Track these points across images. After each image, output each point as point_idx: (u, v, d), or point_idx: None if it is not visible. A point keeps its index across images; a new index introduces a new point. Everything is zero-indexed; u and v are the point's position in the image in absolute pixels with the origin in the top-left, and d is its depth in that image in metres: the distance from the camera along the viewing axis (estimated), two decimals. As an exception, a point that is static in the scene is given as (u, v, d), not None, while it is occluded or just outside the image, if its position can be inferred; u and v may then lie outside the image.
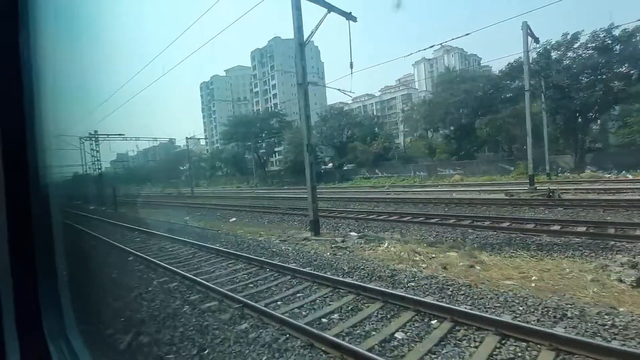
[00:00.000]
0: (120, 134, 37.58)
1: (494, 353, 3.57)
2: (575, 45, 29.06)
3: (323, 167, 52.63)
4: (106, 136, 34.60)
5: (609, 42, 27.13)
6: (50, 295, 1.37)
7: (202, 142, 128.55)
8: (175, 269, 7.68)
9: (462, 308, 4.51)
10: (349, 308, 5.02)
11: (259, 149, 63.35)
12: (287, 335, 4.30)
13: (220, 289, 6.00)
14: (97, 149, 31.97)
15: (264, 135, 62.62)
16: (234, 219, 17.42)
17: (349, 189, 34.08)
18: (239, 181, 70.47)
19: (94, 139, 32.17)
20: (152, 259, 8.96)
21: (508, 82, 35.09)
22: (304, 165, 11.36)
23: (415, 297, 4.92)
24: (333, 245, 9.27)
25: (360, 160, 45.91)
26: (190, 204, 30.12)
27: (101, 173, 32.58)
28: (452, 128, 38.58)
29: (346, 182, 43.40)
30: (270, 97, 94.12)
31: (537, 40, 22.68)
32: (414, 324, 4.38)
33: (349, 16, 12.14)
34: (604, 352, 3.27)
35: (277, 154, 69.21)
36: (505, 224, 10.49)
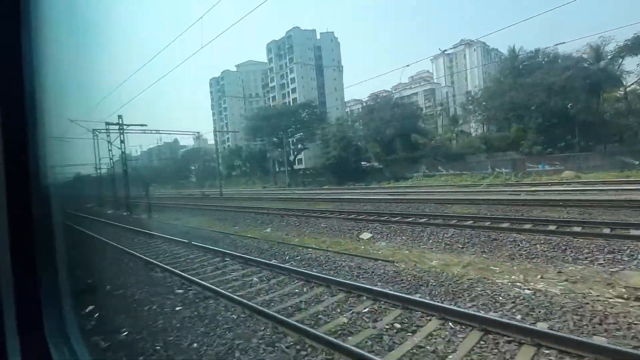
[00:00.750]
0: (142, 125, 31.30)
1: None
2: None
3: (365, 164, 46.30)
4: (126, 126, 28.05)
5: None
6: (51, 296, 1.37)
7: (210, 141, 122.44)
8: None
9: None
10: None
11: (287, 145, 56.86)
12: None
13: None
14: (122, 138, 25.51)
15: (293, 129, 56.17)
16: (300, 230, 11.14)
17: (428, 188, 27.65)
18: (262, 181, 63.99)
19: (117, 128, 25.66)
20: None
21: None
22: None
23: None
24: None
25: (415, 156, 39.67)
26: (224, 207, 23.95)
27: (126, 170, 26.08)
28: (538, 117, 32.24)
29: (403, 181, 37.11)
30: (289, 92, 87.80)
31: None
32: None
33: None
34: None
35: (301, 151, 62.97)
36: None
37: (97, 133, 31.59)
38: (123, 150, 25.18)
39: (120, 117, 24.98)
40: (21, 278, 1.15)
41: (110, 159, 28.44)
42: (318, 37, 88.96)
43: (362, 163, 45.93)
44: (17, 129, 1.15)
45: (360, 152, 43.21)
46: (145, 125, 32.05)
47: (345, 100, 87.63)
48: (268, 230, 13.39)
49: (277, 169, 63.54)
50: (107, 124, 24.81)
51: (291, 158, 58.65)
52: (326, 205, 19.20)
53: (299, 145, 59.78)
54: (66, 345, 1.44)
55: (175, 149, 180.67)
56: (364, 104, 46.04)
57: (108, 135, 26.16)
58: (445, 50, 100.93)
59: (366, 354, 3.56)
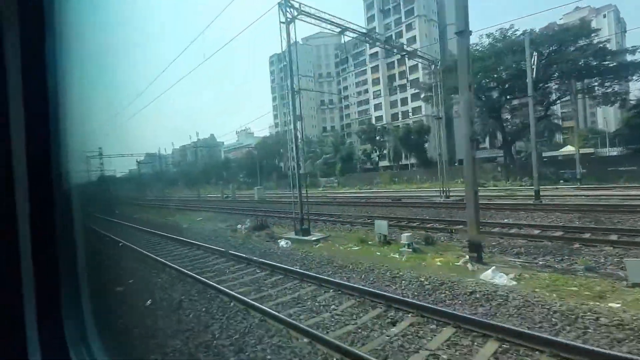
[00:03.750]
0: None
1: None
2: None
3: None
4: None
5: None
6: (73, 303, 1.39)
7: (257, 133, 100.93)
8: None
9: None
10: None
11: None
12: None
13: None
14: None
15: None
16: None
17: None
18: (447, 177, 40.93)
19: None
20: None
21: None
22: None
23: None
24: None
25: None
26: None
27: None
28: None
29: None
30: (395, 62, 64.62)
31: None
32: None
33: None
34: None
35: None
36: None
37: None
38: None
39: None
40: (43, 285, 1.16)
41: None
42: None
43: None
44: (41, 133, 1.17)
45: None
46: None
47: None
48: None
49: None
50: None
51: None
52: None
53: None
54: (87, 352, 1.44)
55: (212, 145, 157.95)
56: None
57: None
58: None
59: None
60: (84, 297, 1.52)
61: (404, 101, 64.66)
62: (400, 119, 63.57)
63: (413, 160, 48.40)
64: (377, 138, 48.57)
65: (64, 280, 1.29)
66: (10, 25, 1.09)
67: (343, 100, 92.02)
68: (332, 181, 49.31)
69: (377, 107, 69.51)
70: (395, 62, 65.55)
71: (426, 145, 44.86)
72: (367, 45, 70.52)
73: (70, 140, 1.34)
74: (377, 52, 68.60)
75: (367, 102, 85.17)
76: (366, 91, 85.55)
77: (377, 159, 49.38)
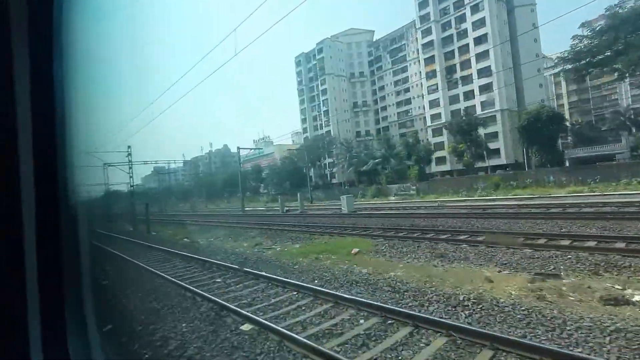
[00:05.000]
0: None
1: None
2: None
3: None
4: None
5: None
6: (76, 317, 1.40)
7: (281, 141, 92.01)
8: None
9: None
10: None
11: None
12: None
13: None
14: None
15: None
16: None
17: None
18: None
19: None
20: None
21: None
22: None
23: None
24: None
25: None
26: None
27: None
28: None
29: None
30: (455, 50, 55.52)
31: None
32: None
33: None
34: None
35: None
36: None
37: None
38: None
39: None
40: (47, 297, 1.17)
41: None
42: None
43: None
44: (47, 146, 1.18)
45: None
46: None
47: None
48: None
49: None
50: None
51: None
52: None
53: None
54: (87, 351, 1.46)
55: (227, 156, 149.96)
56: None
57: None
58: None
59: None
60: (88, 313, 1.50)
61: (468, 95, 55.22)
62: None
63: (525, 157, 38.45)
64: (472, 132, 38.75)
65: (67, 296, 1.28)
66: (19, 35, 1.08)
67: (379, 101, 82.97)
68: (408, 188, 39.39)
69: (432, 104, 60.04)
70: (456, 51, 56.42)
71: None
72: (419, 34, 61.83)
73: (77, 147, 1.34)
74: (431, 40, 59.59)
75: (408, 102, 76.05)
76: (407, 90, 76.56)
77: (468, 157, 39.50)
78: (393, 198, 38.58)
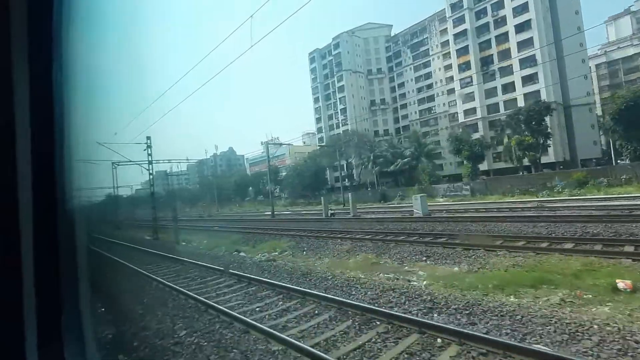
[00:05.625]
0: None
1: None
2: None
3: None
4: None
5: None
6: (73, 324, 1.38)
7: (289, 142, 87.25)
8: None
9: None
10: None
11: None
12: None
13: None
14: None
15: None
16: None
17: None
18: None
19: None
20: None
21: None
22: None
23: None
24: None
25: None
26: None
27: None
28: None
29: None
30: (492, 39, 51.09)
31: None
32: None
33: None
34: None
35: None
36: None
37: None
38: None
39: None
40: (44, 304, 1.15)
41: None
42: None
43: None
44: (46, 151, 1.16)
45: None
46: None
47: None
48: None
49: None
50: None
51: None
52: None
53: None
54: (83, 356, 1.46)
55: (233, 159, 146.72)
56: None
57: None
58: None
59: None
60: (85, 320, 1.48)
61: (507, 88, 50.67)
62: (503, 109, 49.35)
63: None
64: (542, 122, 33.76)
65: (65, 302, 1.27)
66: (19, 35, 1.05)
67: (399, 99, 78.45)
68: (460, 187, 34.54)
69: (466, 98, 55.42)
70: (493, 40, 51.92)
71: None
72: (451, 23, 57.45)
73: (77, 149, 1.32)
74: (464, 30, 55.13)
75: (431, 99, 71.50)
76: (429, 86, 72.09)
77: (531, 154, 34.55)
78: (442, 200, 33.76)
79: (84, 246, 1.51)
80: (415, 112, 74.75)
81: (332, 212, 25.74)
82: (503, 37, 50.48)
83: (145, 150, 20.85)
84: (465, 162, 39.30)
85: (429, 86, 72.46)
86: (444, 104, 68.76)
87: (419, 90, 74.40)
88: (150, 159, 20.95)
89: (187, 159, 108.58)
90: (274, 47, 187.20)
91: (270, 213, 31.85)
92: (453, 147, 40.36)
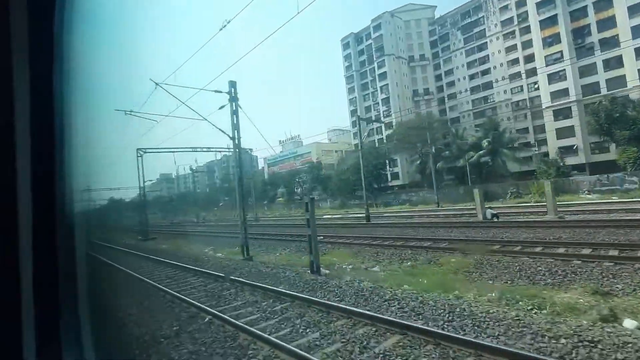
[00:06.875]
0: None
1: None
2: None
3: None
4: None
5: None
6: (72, 326, 1.38)
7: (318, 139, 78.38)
8: None
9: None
10: None
11: None
12: None
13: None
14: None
15: None
16: None
17: None
18: None
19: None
20: None
21: None
22: None
23: None
24: None
25: None
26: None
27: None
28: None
29: None
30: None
31: None
32: None
33: None
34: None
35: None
36: None
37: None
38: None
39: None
40: (43, 308, 1.14)
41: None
42: None
43: None
44: (46, 151, 1.16)
45: None
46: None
47: None
48: None
49: None
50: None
51: None
52: None
53: None
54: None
55: (247, 160, 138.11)
56: None
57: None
58: None
59: None
60: (84, 326, 1.46)
61: (609, 64, 41.60)
62: (605, 90, 40.28)
63: None
64: None
65: (64, 307, 1.25)
66: (19, 36, 1.05)
67: (446, 88, 69.52)
68: (620, 180, 25.25)
69: (552, 78, 46.35)
70: (590, 7, 42.95)
71: None
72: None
73: (77, 151, 1.31)
74: (548, -2, 46.21)
75: (487, 86, 62.56)
76: (485, 72, 63.22)
77: None
78: (590, 196, 24.51)
79: (83, 247, 1.49)
80: (468, 102, 65.82)
81: (494, 212, 16.54)
82: (605, 3, 41.53)
83: (228, 103, 11.79)
84: (619, 146, 30.09)
85: (485, 72, 63.59)
86: (504, 92, 59.82)
87: (472, 77, 65.55)
88: (235, 119, 11.84)
89: (195, 162, 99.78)
90: (283, 45, 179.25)
91: (364, 216, 22.65)
92: (592, 126, 31.05)
